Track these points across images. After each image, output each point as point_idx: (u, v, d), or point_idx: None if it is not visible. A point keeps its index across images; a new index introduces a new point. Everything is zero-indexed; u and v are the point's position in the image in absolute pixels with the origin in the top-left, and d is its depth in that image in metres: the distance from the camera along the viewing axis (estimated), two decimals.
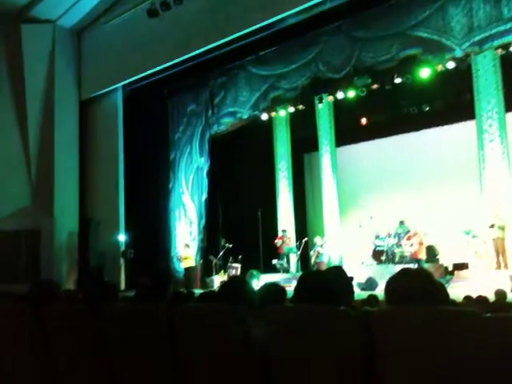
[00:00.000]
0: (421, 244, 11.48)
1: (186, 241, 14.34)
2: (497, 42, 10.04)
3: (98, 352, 2.88)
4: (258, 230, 13.92)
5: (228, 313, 2.40)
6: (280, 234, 14.23)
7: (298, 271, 13.55)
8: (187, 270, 13.26)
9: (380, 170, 14.40)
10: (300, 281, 2.43)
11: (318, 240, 13.21)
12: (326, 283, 2.35)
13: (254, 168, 15.05)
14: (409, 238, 12.00)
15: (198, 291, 8.62)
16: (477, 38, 10.04)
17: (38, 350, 3.14)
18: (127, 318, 2.87)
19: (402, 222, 12.78)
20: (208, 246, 14.62)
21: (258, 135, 15.00)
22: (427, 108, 13.26)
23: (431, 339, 1.88)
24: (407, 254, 12.03)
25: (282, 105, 13.72)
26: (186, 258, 13.36)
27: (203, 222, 14.71)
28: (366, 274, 11.38)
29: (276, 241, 13.87)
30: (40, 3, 13.55)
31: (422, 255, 11.40)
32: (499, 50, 10.72)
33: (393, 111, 13.95)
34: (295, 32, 12.00)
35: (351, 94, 12.64)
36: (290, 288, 2.86)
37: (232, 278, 3.83)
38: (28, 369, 3.18)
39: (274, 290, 2.99)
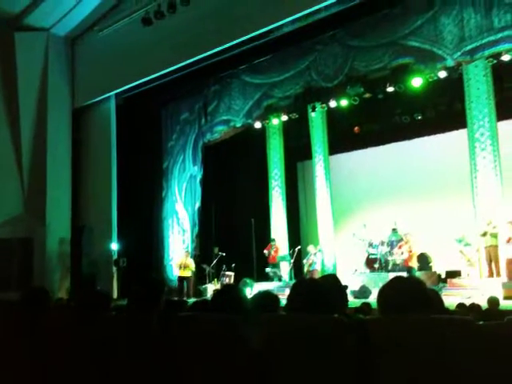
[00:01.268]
0: (410, 252, 11.52)
1: (181, 249, 14.27)
2: (488, 52, 10.12)
3: (91, 361, 2.86)
4: (251, 238, 13.89)
5: (221, 321, 2.39)
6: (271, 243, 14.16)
7: (291, 279, 13.52)
8: (182, 278, 13.15)
9: (373, 178, 14.46)
10: (293, 289, 2.43)
11: (311, 248, 13.18)
12: (320, 291, 2.34)
13: (248, 176, 15.08)
14: (400, 247, 12.04)
15: (191, 300, 8.61)
16: (468, 48, 10.12)
17: (32, 359, 3.11)
18: (120, 327, 2.85)
19: (394, 230, 12.84)
20: (201, 255, 14.58)
21: (251, 143, 15.03)
22: (419, 117, 13.35)
23: (425, 347, 1.88)
24: (399, 262, 12.07)
25: (275, 113, 13.75)
26: (186, 267, 13.09)
27: (196, 230, 14.67)
28: (360, 282, 11.41)
29: (264, 251, 13.83)
30: (34, 11, 13.55)
31: (413, 263, 11.41)
32: (490, 60, 10.81)
33: (385, 120, 14.02)
34: (289, 41, 12.06)
35: (344, 102, 12.69)
36: (284, 296, 2.86)
37: (225, 287, 3.81)
38: (22, 378, 3.15)
39: (268, 298, 2.98)
